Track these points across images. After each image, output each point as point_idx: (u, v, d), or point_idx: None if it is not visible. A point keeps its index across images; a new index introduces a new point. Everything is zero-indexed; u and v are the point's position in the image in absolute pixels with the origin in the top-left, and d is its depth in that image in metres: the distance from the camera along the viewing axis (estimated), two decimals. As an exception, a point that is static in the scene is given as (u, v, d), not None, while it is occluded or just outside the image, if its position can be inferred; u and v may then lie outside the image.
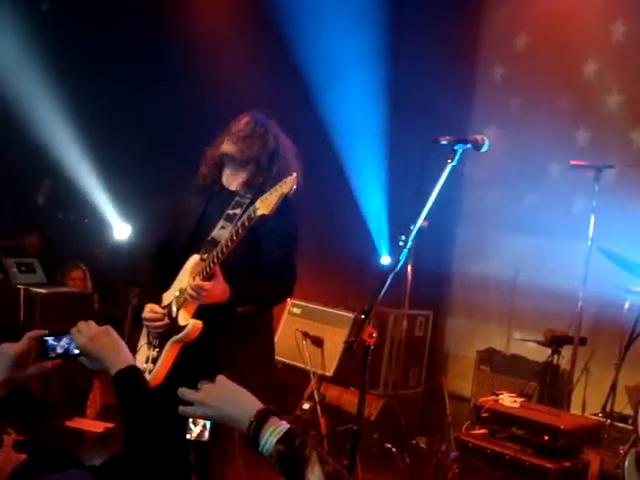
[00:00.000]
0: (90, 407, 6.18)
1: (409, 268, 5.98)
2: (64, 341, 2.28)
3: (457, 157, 2.97)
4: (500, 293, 7.66)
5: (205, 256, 3.38)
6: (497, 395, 4.84)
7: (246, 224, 3.15)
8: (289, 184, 3.06)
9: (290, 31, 7.53)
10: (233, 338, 3.44)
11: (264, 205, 3.09)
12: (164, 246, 3.68)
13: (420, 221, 2.92)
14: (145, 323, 3.53)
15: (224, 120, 3.76)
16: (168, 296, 3.52)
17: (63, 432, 5.90)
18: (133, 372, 2.19)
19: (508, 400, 4.75)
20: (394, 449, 5.83)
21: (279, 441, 1.72)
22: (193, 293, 3.29)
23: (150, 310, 3.50)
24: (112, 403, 6.08)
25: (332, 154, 7.68)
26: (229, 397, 1.85)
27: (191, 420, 1.95)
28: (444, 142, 2.99)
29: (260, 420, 1.76)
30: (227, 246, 3.21)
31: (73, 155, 8.72)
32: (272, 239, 3.42)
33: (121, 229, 8.85)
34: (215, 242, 3.39)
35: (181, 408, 1.87)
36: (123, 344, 2.27)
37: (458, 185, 7.84)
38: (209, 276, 3.28)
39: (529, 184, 7.56)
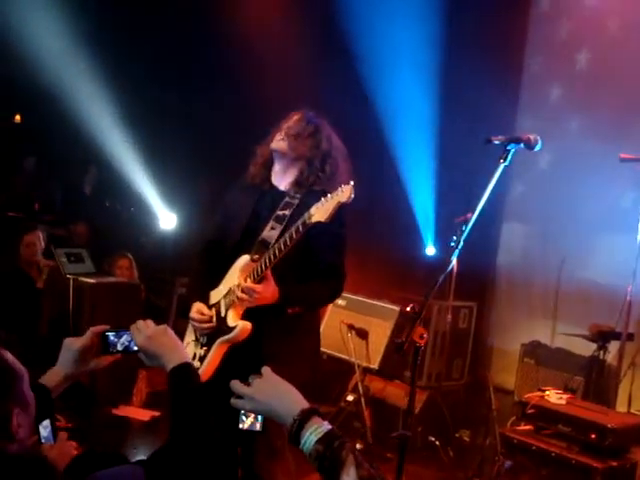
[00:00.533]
0: (136, 395, 6.27)
1: (456, 256, 5.95)
2: (124, 338, 2.38)
3: (509, 157, 2.94)
4: (545, 286, 7.60)
5: (256, 257, 3.38)
6: (543, 391, 4.80)
7: (300, 230, 3.15)
8: (346, 193, 3.05)
9: (344, 26, 7.53)
10: (281, 336, 3.44)
11: (320, 212, 3.09)
12: (215, 244, 3.69)
13: (472, 222, 2.89)
14: (192, 323, 3.55)
15: (274, 112, 3.75)
16: (216, 294, 3.53)
17: (110, 420, 5.99)
18: (187, 369, 2.25)
19: (554, 396, 4.71)
20: (438, 442, 5.84)
21: (319, 441, 1.78)
22: (244, 296, 3.30)
23: (197, 311, 3.51)
24: (158, 391, 6.17)
25: (382, 145, 7.67)
26: (277, 394, 1.91)
27: (243, 411, 2.00)
28: (497, 142, 2.96)
29: (303, 419, 1.83)
30: (280, 250, 3.21)
31: (119, 144, 8.81)
32: (322, 240, 3.39)
33: (167, 219, 8.91)
34: (265, 243, 3.40)
35: (233, 400, 1.94)
36: (179, 343, 2.35)
37: (504, 178, 7.78)
38: (260, 279, 3.29)
39: (572, 177, 7.47)
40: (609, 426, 4.27)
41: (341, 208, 3.13)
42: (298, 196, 3.48)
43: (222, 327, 3.42)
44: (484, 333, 8.04)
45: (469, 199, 3.07)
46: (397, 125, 7.68)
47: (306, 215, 3.14)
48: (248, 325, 3.36)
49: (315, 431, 1.80)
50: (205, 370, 3.39)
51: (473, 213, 2.92)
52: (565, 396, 4.76)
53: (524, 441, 4.51)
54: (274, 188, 3.61)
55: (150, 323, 2.34)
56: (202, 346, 3.50)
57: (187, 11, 8.57)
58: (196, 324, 3.51)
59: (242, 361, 3.32)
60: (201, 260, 3.74)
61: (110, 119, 8.66)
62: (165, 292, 8.20)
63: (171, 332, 2.35)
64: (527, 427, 4.68)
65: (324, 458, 1.76)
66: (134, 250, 7.58)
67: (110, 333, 2.38)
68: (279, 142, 3.55)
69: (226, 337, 3.38)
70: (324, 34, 7.90)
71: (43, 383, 2.31)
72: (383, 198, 7.76)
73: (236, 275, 3.41)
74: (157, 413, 6.07)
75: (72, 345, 2.36)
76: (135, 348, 2.34)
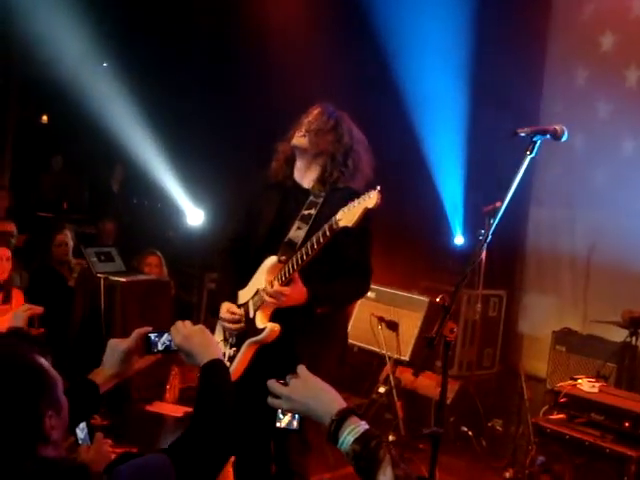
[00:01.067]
0: (169, 392, 6.31)
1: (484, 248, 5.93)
2: (164, 338, 2.53)
3: (536, 148, 2.92)
4: (575, 272, 7.55)
5: (283, 258, 3.37)
6: (575, 380, 4.77)
7: (327, 234, 3.14)
8: (374, 199, 3.03)
9: (371, 16, 7.51)
10: (311, 335, 3.43)
11: (347, 217, 3.08)
12: (240, 242, 3.68)
13: (500, 213, 2.88)
14: (222, 323, 3.55)
15: (299, 107, 3.70)
16: (244, 294, 3.52)
17: (144, 417, 6.04)
18: (218, 364, 2.36)
19: (587, 385, 4.68)
20: (470, 432, 5.84)
21: (356, 441, 1.81)
22: (272, 299, 3.30)
23: (227, 310, 3.50)
24: (191, 387, 6.21)
25: (410, 134, 7.65)
26: (314, 394, 1.93)
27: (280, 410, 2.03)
28: (523, 134, 2.93)
29: (340, 419, 1.85)
30: (307, 254, 3.21)
31: (145, 142, 8.85)
32: (348, 238, 3.33)
33: (194, 215, 8.95)
34: (292, 244, 3.39)
35: (270, 399, 1.96)
36: (214, 341, 2.49)
37: (532, 164, 7.73)
38: (287, 281, 3.29)
39: (602, 161, 7.41)
40: (643, 414, 4.25)
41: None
42: (323, 194, 3.46)
43: (251, 328, 3.41)
44: (514, 321, 8.01)
45: (498, 187, 3.05)
46: (425, 114, 7.64)
47: (333, 220, 3.13)
48: (277, 327, 3.35)
49: (352, 431, 1.82)
50: (235, 370, 3.38)
51: (501, 202, 2.90)
52: (597, 384, 4.73)
53: (557, 430, 4.50)
54: (297, 185, 3.59)
55: (188, 324, 2.47)
56: (231, 346, 3.50)
57: (211, 11, 8.59)
58: (226, 324, 3.50)
59: (275, 360, 3.32)
60: (227, 259, 3.72)
61: (136, 117, 8.70)
62: (195, 288, 8.24)
63: (207, 332, 2.47)
64: (560, 416, 4.66)
65: (360, 458, 1.78)
66: (162, 246, 7.62)
67: (152, 334, 2.53)
68: (300, 138, 3.51)
69: (255, 339, 3.38)
70: (351, 25, 7.88)
71: (94, 380, 2.45)
72: (411, 188, 7.73)
73: (264, 276, 3.41)
74: (190, 409, 6.10)
75: (118, 346, 2.51)
76: (174, 348, 2.48)
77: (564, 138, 2.97)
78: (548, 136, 2.95)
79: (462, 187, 7.62)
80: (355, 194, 3.26)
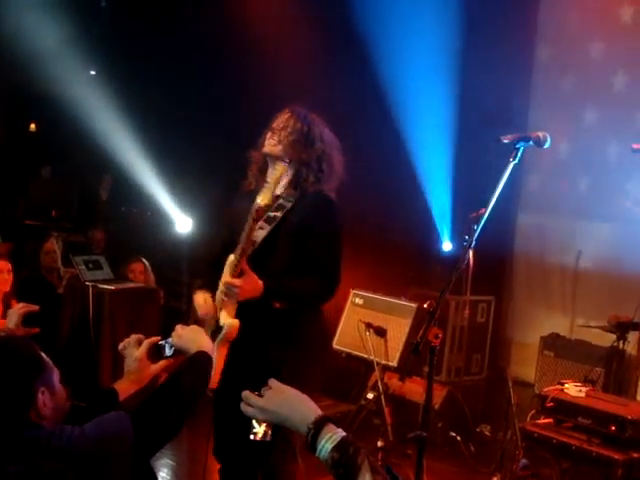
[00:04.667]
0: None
1: (470, 254, 5.96)
2: (171, 342, 2.80)
3: (519, 155, 2.95)
4: (563, 278, 7.60)
5: (237, 254, 3.35)
6: (562, 384, 4.80)
7: (254, 216, 3.22)
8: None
9: (357, 23, 7.53)
10: (283, 338, 3.42)
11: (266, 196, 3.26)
12: (222, 253, 3.61)
13: (484, 220, 2.90)
14: (200, 315, 3.55)
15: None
16: (218, 297, 3.51)
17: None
18: (203, 353, 2.64)
19: (573, 389, 4.71)
20: (458, 437, 5.85)
21: (334, 448, 1.81)
22: (226, 291, 3.30)
23: (204, 300, 3.53)
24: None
25: (397, 142, 7.67)
26: (289, 404, 1.94)
27: (254, 420, 2.03)
28: (506, 141, 2.96)
29: (317, 427, 1.86)
30: (247, 241, 3.24)
31: (134, 150, 8.86)
32: (315, 241, 3.37)
33: (183, 222, 8.96)
34: (252, 243, 3.37)
35: (243, 408, 1.97)
36: (205, 337, 2.78)
37: (518, 170, 7.78)
38: (239, 273, 3.28)
39: (587, 168, 7.46)
40: (629, 418, 4.28)
41: (332, 204, 3.36)
42: (292, 199, 3.44)
43: (218, 327, 3.41)
44: (502, 327, 8.05)
45: (485, 194, 3.07)
46: (412, 121, 7.67)
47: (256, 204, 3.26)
48: (235, 322, 3.32)
49: (330, 439, 1.83)
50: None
51: (486, 209, 2.93)
52: (584, 388, 4.75)
53: (544, 435, 4.53)
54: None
55: (182, 327, 2.78)
56: None
57: (200, 17, 8.60)
58: (202, 313, 3.51)
59: (249, 365, 3.33)
60: (207, 269, 3.72)
61: (124, 125, 8.71)
62: (184, 296, 8.23)
63: (198, 329, 2.82)
64: (547, 420, 4.69)
65: (339, 465, 1.79)
66: (151, 254, 7.62)
67: (161, 341, 2.82)
68: (272, 146, 3.49)
69: (219, 337, 3.35)
70: (338, 35, 7.89)
71: (114, 387, 2.75)
72: (399, 194, 7.76)
73: (226, 275, 3.39)
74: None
75: (133, 354, 2.81)
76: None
77: (547, 145, 3.01)
78: (531, 143, 2.98)
79: (450, 194, 7.65)
80: (323, 199, 3.37)
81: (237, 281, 3.27)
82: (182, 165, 8.65)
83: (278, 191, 3.50)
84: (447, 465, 5.56)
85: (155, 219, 9.33)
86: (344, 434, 1.85)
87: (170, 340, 2.78)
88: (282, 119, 3.52)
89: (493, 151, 3.13)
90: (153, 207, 9.17)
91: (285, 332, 3.44)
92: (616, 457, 4.17)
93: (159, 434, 2.38)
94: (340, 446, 1.81)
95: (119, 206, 10.21)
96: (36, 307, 3.97)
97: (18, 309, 3.86)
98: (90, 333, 5.95)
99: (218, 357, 3.40)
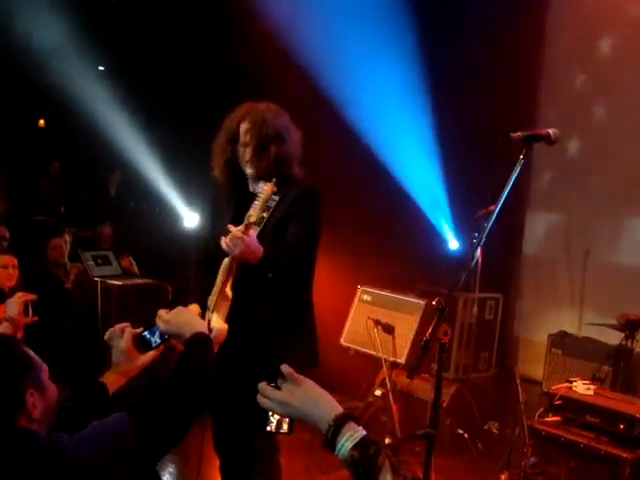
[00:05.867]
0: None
1: (479, 251, 5.95)
2: (156, 330, 2.66)
3: (529, 153, 2.92)
4: (571, 275, 7.58)
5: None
6: (570, 382, 4.78)
7: (244, 231, 3.22)
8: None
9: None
10: (278, 327, 3.45)
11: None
12: (211, 254, 3.59)
13: (493, 218, 2.88)
14: None
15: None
16: (210, 299, 3.48)
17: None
18: (200, 337, 2.52)
19: (582, 387, 4.68)
20: (466, 435, 5.85)
21: (354, 447, 1.76)
22: (231, 242, 3.23)
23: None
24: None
25: (403, 145, 7.68)
26: (311, 399, 1.88)
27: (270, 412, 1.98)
28: (516, 138, 2.93)
29: (338, 425, 1.80)
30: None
31: (142, 146, 8.87)
32: (294, 223, 3.42)
33: (190, 218, 8.97)
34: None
35: (260, 400, 1.90)
36: (195, 316, 2.71)
37: (526, 168, 7.77)
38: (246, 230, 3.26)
39: (596, 164, 7.44)
40: (638, 416, 4.24)
41: (317, 197, 3.50)
42: (276, 197, 3.41)
43: (209, 330, 3.41)
44: (510, 324, 8.04)
45: (485, 191, 3.06)
46: (422, 119, 7.68)
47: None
48: (223, 328, 3.29)
49: (351, 437, 1.78)
50: None
51: (495, 206, 2.90)
52: (592, 386, 4.73)
53: (552, 432, 4.50)
54: (251, 193, 3.53)
55: (167, 310, 2.64)
56: None
57: (204, 16, 8.60)
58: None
59: (245, 356, 3.35)
60: (199, 270, 3.71)
61: (133, 121, 8.72)
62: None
63: (186, 310, 2.71)
64: (555, 418, 4.66)
65: (359, 465, 1.74)
66: (159, 249, 7.63)
67: (145, 333, 2.67)
68: (249, 169, 3.53)
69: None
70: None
71: (102, 381, 2.58)
72: (402, 196, 7.77)
73: (220, 278, 3.38)
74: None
75: (118, 345, 2.65)
76: (167, 336, 2.64)
77: (557, 142, 2.97)
78: (541, 140, 2.95)
79: (443, 194, 7.67)
80: (306, 190, 3.49)
81: (245, 237, 3.20)
82: (190, 161, 8.64)
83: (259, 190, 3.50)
84: (455, 462, 5.55)
85: (163, 215, 9.34)
86: (365, 433, 1.80)
87: (156, 328, 2.64)
88: (243, 134, 3.55)
89: (503, 150, 3.10)
90: (162, 203, 9.19)
91: (280, 321, 3.46)
92: (624, 455, 4.14)
93: (164, 438, 2.23)
94: (360, 445, 1.76)
95: (128, 202, 10.23)
96: (34, 296, 3.97)
97: (18, 297, 3.86)
98: (98, 328, 5.97)
99: None
